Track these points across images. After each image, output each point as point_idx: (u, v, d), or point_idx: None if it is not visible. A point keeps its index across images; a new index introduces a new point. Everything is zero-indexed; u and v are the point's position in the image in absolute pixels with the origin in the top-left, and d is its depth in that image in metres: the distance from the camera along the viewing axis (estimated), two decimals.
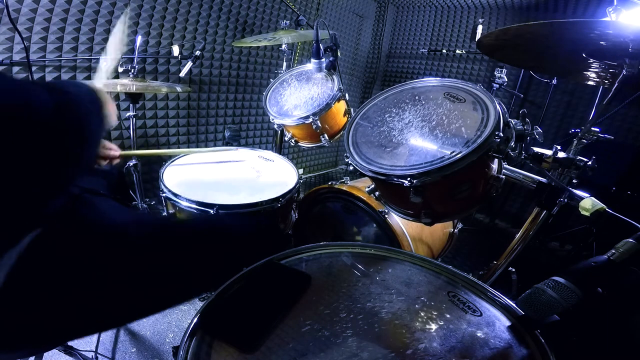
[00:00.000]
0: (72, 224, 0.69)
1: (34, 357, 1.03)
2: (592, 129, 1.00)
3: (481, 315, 0.72)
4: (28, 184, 0.50)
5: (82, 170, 0.63)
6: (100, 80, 0.99)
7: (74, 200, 0.73)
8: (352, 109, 1.56)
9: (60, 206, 0.68)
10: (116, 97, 1.94)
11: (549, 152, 0.98)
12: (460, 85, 1.04)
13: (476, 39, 2.66)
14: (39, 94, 0.52)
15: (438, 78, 1.11)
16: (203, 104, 2.38)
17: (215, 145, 2.51)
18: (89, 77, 1.78)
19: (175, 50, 1.84)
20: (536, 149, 1.00)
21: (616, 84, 0.90)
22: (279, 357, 0.60)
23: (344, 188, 1.49)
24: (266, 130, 2.86)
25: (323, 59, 1.45)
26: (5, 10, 1.32)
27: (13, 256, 0.58)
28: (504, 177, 0.95)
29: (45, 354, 1.17)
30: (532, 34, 0.93)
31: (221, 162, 1.51)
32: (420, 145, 0.93)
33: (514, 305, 0.72)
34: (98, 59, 1.69)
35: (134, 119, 1.68)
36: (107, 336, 1.41)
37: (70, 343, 1.21)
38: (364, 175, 0.96)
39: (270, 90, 1.66)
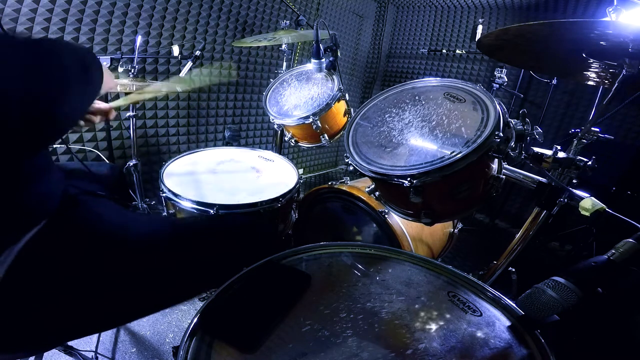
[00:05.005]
0: (69, 224, 0.69)
1: (34, 357, 1.03)
2: (592, 129, 0.99)
3: (481, 315, 0.72)
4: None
5: (63, 127, 0.62)
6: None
7: (71, 201, 0.73)
8: (352, 109, 1.56)
9: (57, 207, 0.68)
10: (116, 97, 1.94)
11: (549, 152, 0.98)
12: (460, 85, 1.04)
13: (476, 39, 2.67)
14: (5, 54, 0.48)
15: (438, 78, 1.11)
16: (203, 104, 2.38)
17: (215, 146, 2.51)
18: None
19: (175, 50, 1.84)
20: (536, 149, 1.00)
21: (616, 84, 0.90)
22: (279, 357, 0.60)
23: (344, 188, 1.49)
24: (266, 130, 2.86)
25: (323, 59, 1.45)
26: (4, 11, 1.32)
27: (11, 256, 0.58)
28: (504, 177, 0.95)
29: (45, 354, 1.18)
30: (532, 34, 0.92)
31: (221, 163, 1.51)
32: (420, 145, 0.93)
33: (514, 305, 0.72)
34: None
35: (134, 119, 1.68)
36: (107, 336, 1.41)
37: (70, 343, 1.21)
38: (364, 175, 0.96)
39: (270, 91, 1.66)
